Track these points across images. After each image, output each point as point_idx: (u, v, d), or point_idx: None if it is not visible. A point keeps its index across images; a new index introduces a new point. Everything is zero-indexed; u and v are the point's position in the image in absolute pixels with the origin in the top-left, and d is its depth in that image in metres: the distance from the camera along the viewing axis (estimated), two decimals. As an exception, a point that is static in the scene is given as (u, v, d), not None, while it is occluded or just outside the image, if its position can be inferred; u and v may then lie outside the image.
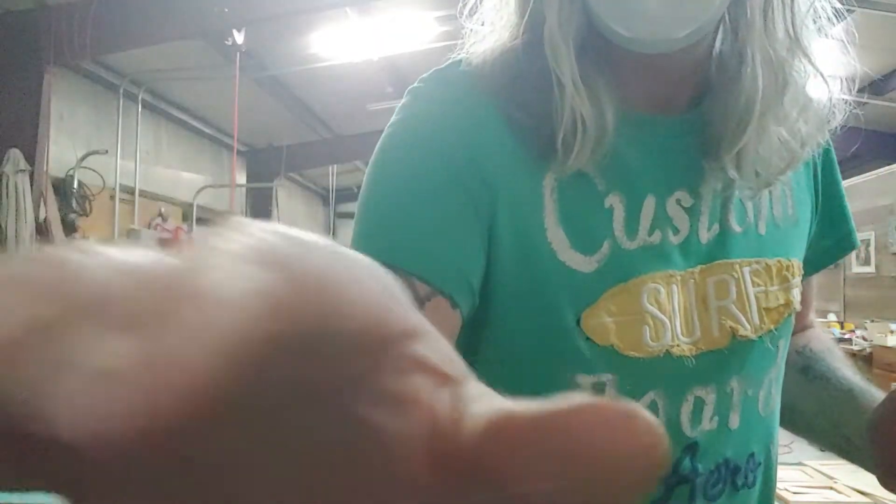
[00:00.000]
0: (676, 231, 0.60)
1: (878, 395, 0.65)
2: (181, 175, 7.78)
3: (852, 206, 0.75)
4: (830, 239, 0.73)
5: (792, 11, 0.58)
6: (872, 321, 6.16)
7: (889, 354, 5.46)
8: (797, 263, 0.66)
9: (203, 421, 0.12)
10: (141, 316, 0.12)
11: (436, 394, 0.14)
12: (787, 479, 2.55)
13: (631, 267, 0.58)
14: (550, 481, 0.13)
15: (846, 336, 6.27)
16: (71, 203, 5.58)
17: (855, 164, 8.19)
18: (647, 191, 0.59)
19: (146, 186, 6.93)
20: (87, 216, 5.74)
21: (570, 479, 0.13)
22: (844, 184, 0.74)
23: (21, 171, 4.50)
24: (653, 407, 0.58)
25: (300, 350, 0.13)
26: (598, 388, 0.57)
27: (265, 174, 9.12)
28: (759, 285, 0.62)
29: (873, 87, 6.70)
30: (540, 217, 0.57)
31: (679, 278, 0.59)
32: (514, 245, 0.57)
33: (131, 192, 6.72)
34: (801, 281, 0.67)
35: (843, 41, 0.66)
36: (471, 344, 0.59)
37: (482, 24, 0.62)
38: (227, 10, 4.76)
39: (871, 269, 6.72)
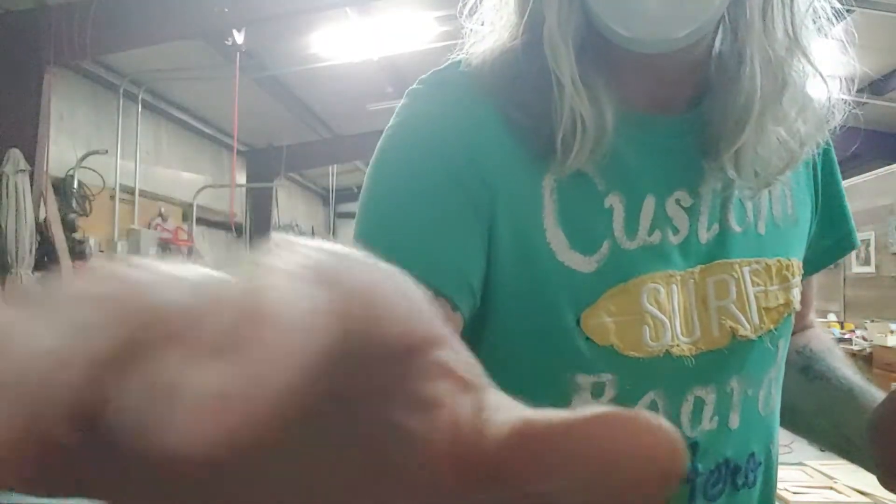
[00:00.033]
0: (676, 231, 0.60)
1: (879, 395, 0.65)
2: (181, 175, 7.77)
3: (852, 206, 0.75)
4: (830, 239, 0.73)
5: (791, 11, 0.58)
6: (872, 321, 6.16)
7: (889, 354, 5.46)
8: (797, 263, 0.65)
9: (284, 435, 0.13)
10: (223, 339, 0.13)
11: (460, 400, 0.15)
12: (787, 479, 2.55)
13: (631, 267, 0.58)
14: (569, 485, 0.14)
15: (846, 336, 6.27)
16: (71, 203, 5.58)
17: (855, 164, 8.19)
18: (647, 191, 0.59)
19: (146, 186, 6.93)
20: (87, 216, 5.74)
21: (588, 484, 0.14)
22: (844, 184, 0.74)
23: (21, 171, 4.50)
24: (653, 407, 0.58)
25: (351, 362, 0.14)
26: (598, 388, 0.57)
27: (265, 174, 9.12)
28: (758, 285, 0.62)
29: (873, 87, 6.70)
30: (539, 217, 0.57)
31: (679, 278, 0.59)
32: (513, 246, 0.57)
33: (131, 192, 6.72)
34: (801, 281, 0.67)
35: (842, 41, 0.65)
36: (470, 344, 0.59)
37: (482, 25, 0.62)
38: (227, 10, 4.76)
39: (871, 269, 6.72)
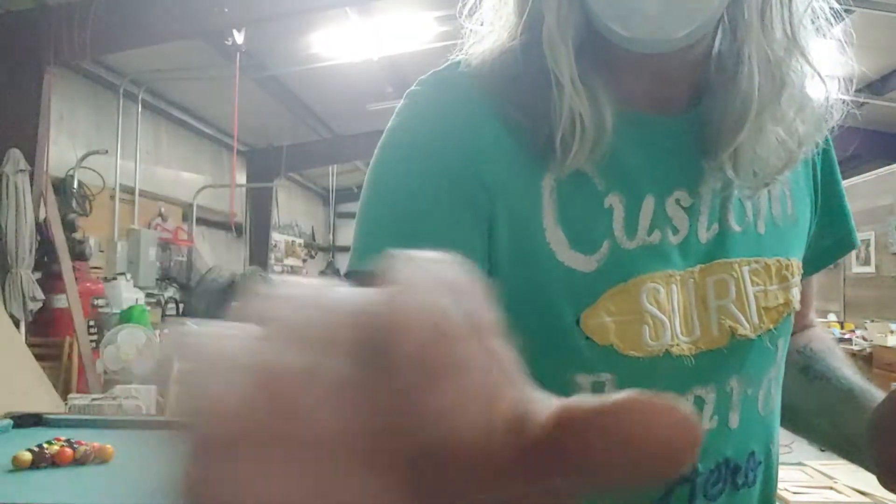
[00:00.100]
0: (676, 231, 0.60)
1: (879, 395, 0.65)
2: (181, 175, 7.77)
3: (852, 206, 0.75)
4: (830, 238, 0.73)
5: (790, 11, 0.58)
6: (872, 321, 6.17)
7: (889, 354, 5.46)
8: (796, 263, 0.65)
9: None
10: (449, 359, 0.16)
11: (510, 390, 0.17)
12: (787, 479, 2.55)
13: (630, 267, 0.57)
14: (604, 463, 0.16)
15: (846, 336, 6.27)
16: (71, 203, 5.58)
17: (855, 164, 8.20)
18: (647, 191, 0.59)
19: (146, 186, 6.93)
20: (87, 216, 5.74)
21: (619, 461, 0.15)
22: (844, 184, 0.74)
23: (21, 171, 4.50)
24: None
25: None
26: (598, 388, 0.57)
27: (265, 174, 9.12)
28: (758, 284, 0.62)
29: (873, 87, 6.70)
30: (539, 218, 0.57)
31: (678, 278, 0.59)
32: (513, 246, 0.57)
33: (131, 191, 6.72)
34: (801, 280, 0.66)
35: (841, 41, 0.65)
36: None
37: (481, 25, 0.62)
38: (227, 10, 4.76)
39: (871, 269, 6.72)
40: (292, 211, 11.24)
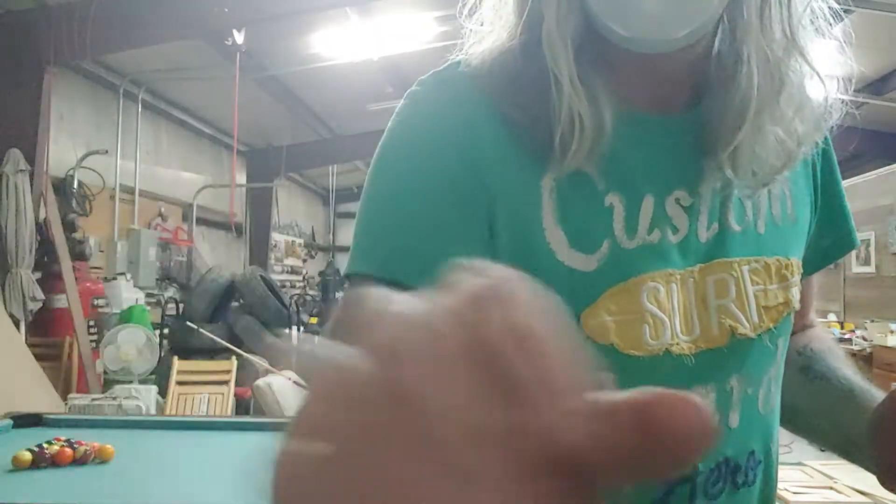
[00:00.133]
0: (676, 230, 0.60)
1: (879, 395, 0.65)
2: (181, 175, 7.77)
3: (852, 206, 0.75)
4: (830, 238, 0.73)
5: (789, 12, 0.58)
6: (872, 321, 6.17)
7: (889, 354, 5.46)
8: (796, 262, 0.65)
9: None
10: (539, 376, 0.18)
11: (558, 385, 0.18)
12: (787, 479, 2.55)
13: (630, 266, 0.57)
14: (638, 450, 0.17)
15: (846, 336, 6.27)
16: (71, 203, 5.58)
17: (855, 164, 8.20)
18: (646, 190, 0.59)
19: (146, 186, 6.93)
20: (87, 216, 5.74)
21: (650, 449, 0.17)
22: (844, 184, 0.74)
23: (21, 171, 4.50)
24: None
25: None
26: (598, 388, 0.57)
27: (265, 174, 9.12)
28: (758, 284, 0.62)
29: (873, 87, 6.70)
30: (538, 218, 0.57)
31: (678, 277, 0.59)
32: (512, 246, 0.57)
33: (131, 191, 6.72)
34: (801, 280, 0.66)
35: (841, 41, 0.65)
36: None
37: (481, 25, 0.62)
38: (227, 10, 4.76)
39: (871, 269, 6.73)
40: (292, 211, 11.24)
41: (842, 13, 0.62)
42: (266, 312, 6.16)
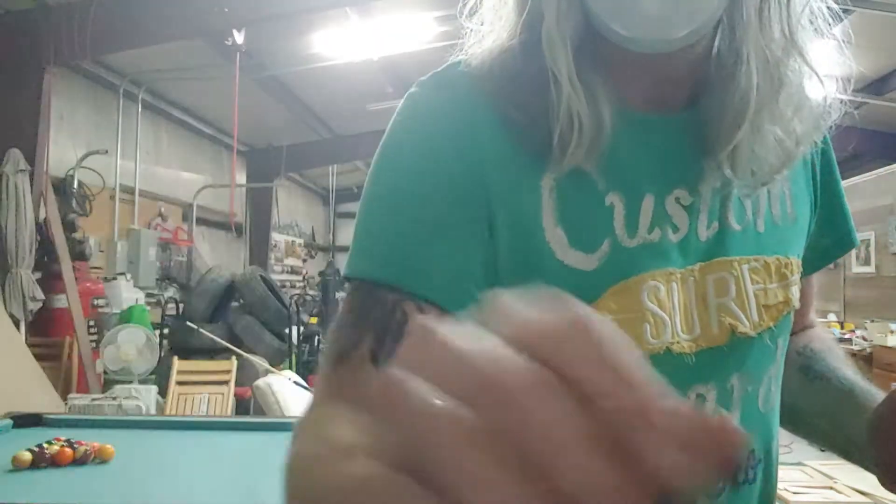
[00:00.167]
0: (676, 229, 0.60)
1: (879, 395, 0.65)
2: (181, 175, 7.77)
3: (852, 206, 0.75)
4: (830, 238, 0.73)
5: (788, 11, 0.58)
6: (872, 321, 6.17)
7: (889, 354, 5.46)
8: (796, 261, 0.66)
9: None
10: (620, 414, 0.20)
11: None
12: (787, 479, 2.56)
13: (631, 265, 0.58)
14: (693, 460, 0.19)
15: (846, 336, 6.27)
16: (71, 203, 5.58)
17: (855, 164, 8.20)
18: (646, 189, 0.59)
19: (146, 186, 6.93)
20: (87, 216, 5.74)
21: (702, 461, 0.20)
22: (844, 184, 0.74)
23: (21, 171, 4.50)
24: None
25: None
26: None
27: (265, 174, 9.12)
28: (758, 283, 0.62)
29: (872, 87, 6.70)
30: (538, 217, 0.57)
31: (679, 276, 0.59)
32: (513, 246, 0.57)
33: (131, 191, 6.73)
34: (801, 280, 0.67)
35: (840, 41, 0.66)
36: None
37: (481, 25, 0.62)
38: (227, 10, 4.76)
39: (871, 269, 6.73)
40: (292, 211, 11.24)
41: (841, 13, 0.62)
42: (266, 312, 6.16)
